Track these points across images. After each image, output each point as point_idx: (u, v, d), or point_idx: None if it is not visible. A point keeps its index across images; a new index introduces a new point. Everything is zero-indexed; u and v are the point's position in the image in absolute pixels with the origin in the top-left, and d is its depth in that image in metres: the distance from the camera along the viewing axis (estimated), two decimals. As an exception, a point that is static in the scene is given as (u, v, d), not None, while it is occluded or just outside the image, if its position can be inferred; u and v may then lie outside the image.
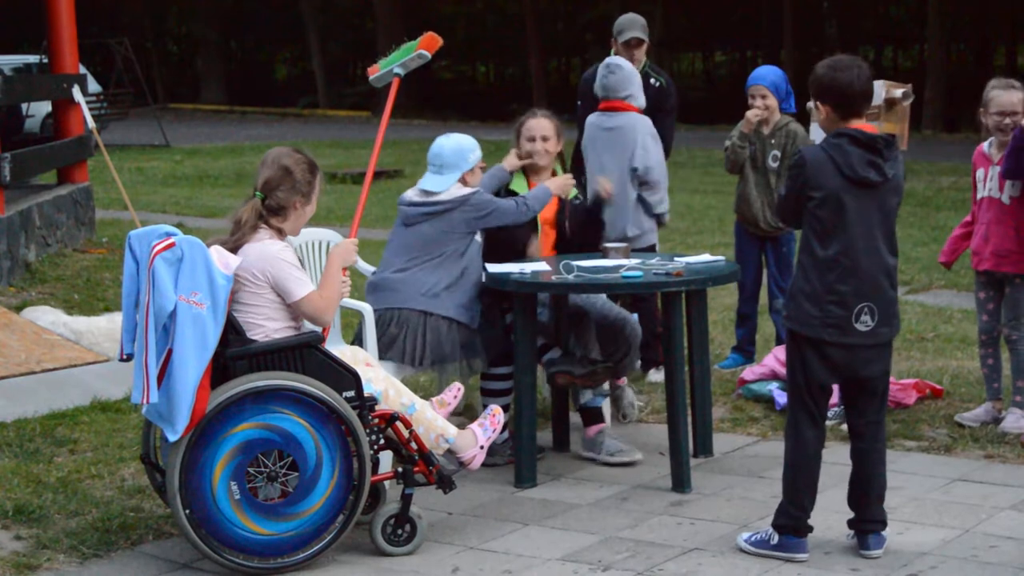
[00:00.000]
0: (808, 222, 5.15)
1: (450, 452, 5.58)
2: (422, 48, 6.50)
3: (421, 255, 6.47)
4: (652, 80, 8.09)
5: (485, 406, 6.19)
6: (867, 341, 5.13)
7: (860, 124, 5.13)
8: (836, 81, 5.12)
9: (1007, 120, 6.67)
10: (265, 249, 5.30)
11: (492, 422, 5.72)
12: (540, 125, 7.02)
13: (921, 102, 30.54)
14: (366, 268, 6.92)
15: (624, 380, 7.19)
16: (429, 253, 6.46)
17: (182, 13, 46.46)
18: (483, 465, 5.76)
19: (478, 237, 6.59)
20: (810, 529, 5.26)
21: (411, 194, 6.64)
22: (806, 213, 5.14)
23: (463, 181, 6.59)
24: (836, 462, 5.79)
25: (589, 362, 6.42)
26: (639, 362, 7.11)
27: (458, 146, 6.62)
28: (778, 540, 5.24)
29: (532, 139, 6.98)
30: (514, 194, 6.89)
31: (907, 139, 5.64)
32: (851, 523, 5.36)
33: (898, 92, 5.56)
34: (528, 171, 7.04)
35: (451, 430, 5.58)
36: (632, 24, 8.09)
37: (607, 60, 7.71)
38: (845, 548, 5.32)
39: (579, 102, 8.24)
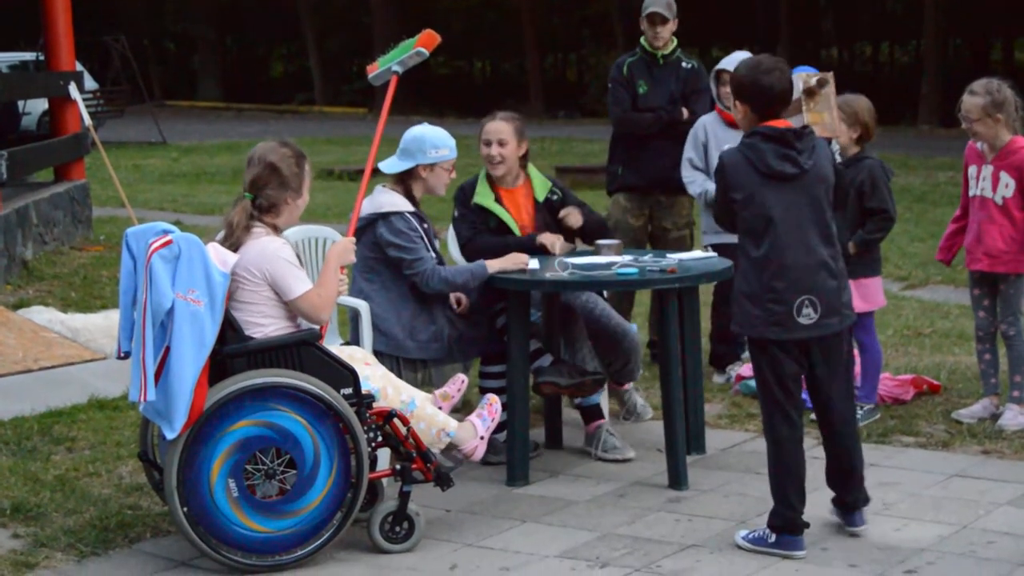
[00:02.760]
0: (739, 224, 5.23)
1: (452, 446, 5.58)
2: (420, 46, 6.45)
3: (362, 279, 6.34)
4: (684, 64, 8.09)
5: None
6: (814, 333, 5.17)
7: (773, 121, 5.20)
8: (757, 83, 5.20)
9: (966, 124, 6.73)
10: (264, 247, 5.29)
11: (490, 411, 5.71)
12: (496, 128, 6.67)
13: (918, 97, 30.55)
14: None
15: (628, 384, 7.16)
16: (369, 280, 6.31)
17: (179, 10, 46.40)
18: (482, 462, 5.75)
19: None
20: (806, 526, 5.27)
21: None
22: (736, 215, 5.21)
23: (417, 176, 6.39)
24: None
25: (577, 372, 6.36)
26: (640, 372, 7.07)
27: (420, 135, 6.37)
28: (775, 539, 5.26)
29: (488, 143, 6.67)
30: (484, 211, 6.71)
31: (838, 126, 5.70)
32: (835, 501, 5.44)
33: (813, 80, 5.63)
34: (495, 181, 6.77)
35: (452, 424, 5.58)
36: (656, 0, 7.99)
37: None
38: (843, 544, 5.32)
39: (609, 84, 8.19)
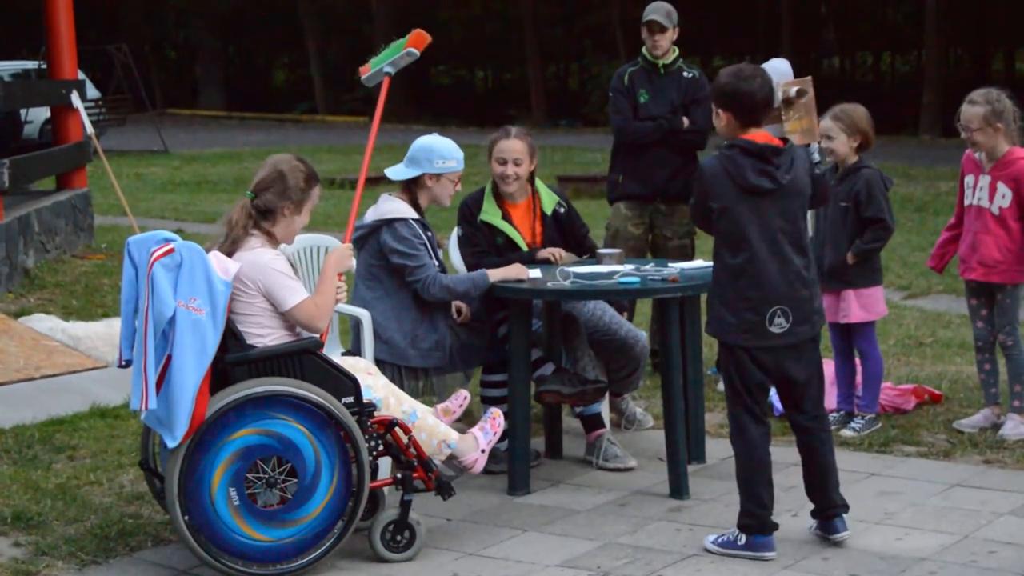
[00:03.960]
0: (715, 231, 5.28)
1: (452, 457, 5.58)
2: (411, 46, 6.45)
3: (364, 287, 6.32)
4: (685, 73, 8.06)
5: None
6: (784, 342, 5.23)
7: (754, 134, 5.22)
8: (739, 90, 5.22)
9: (965, 134, 6.73)
10: (257, 258, 5.29)
11: (492, 425, 5.71)
12: (512, 147, 6.65)
13: (919, 107, 30.57)
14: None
15: (626, 394, 7.15)
16: (372, 288, 6.29)
17: (181, 19, 46.50)
18: (483, 472, 5.75)
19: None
20: (775, 527, 5.31)
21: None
22: (713, 222, 5.25)
23: (423, 185, 6.36)
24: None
25: (579, 381, 6.35)
26: (641, 382, 7.08)
27: (429, 145, 6.33)
28: (745, 540, 5.28)
29: (503, 162, 6.65)
30: (490, 227, 6.71)
31: (817, 131, 5.76)
32: (815, 513, 5.45)
33: (792, 90, 5.68)
34: (503, 197, 6.76)
35: (453, 435, 5.58)
36: (655, 8, 7.95)
37: None
38: (844, 554, 5.32)
39: (610, 94, 8.17)
